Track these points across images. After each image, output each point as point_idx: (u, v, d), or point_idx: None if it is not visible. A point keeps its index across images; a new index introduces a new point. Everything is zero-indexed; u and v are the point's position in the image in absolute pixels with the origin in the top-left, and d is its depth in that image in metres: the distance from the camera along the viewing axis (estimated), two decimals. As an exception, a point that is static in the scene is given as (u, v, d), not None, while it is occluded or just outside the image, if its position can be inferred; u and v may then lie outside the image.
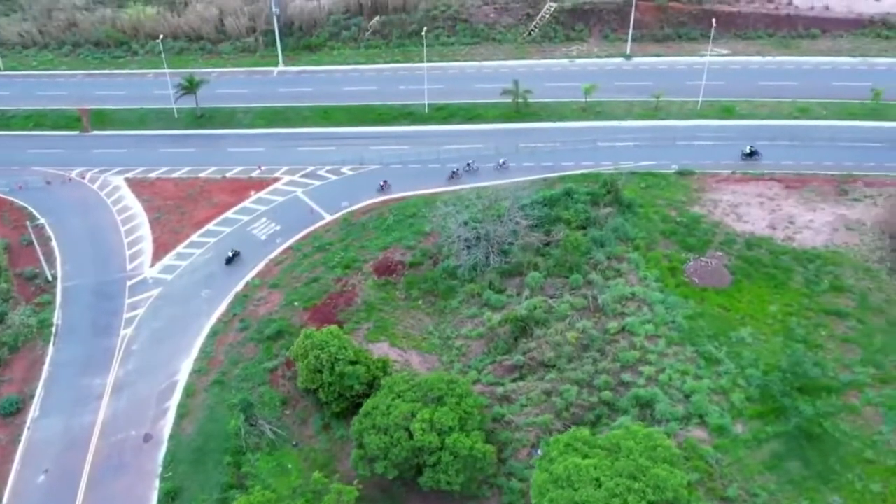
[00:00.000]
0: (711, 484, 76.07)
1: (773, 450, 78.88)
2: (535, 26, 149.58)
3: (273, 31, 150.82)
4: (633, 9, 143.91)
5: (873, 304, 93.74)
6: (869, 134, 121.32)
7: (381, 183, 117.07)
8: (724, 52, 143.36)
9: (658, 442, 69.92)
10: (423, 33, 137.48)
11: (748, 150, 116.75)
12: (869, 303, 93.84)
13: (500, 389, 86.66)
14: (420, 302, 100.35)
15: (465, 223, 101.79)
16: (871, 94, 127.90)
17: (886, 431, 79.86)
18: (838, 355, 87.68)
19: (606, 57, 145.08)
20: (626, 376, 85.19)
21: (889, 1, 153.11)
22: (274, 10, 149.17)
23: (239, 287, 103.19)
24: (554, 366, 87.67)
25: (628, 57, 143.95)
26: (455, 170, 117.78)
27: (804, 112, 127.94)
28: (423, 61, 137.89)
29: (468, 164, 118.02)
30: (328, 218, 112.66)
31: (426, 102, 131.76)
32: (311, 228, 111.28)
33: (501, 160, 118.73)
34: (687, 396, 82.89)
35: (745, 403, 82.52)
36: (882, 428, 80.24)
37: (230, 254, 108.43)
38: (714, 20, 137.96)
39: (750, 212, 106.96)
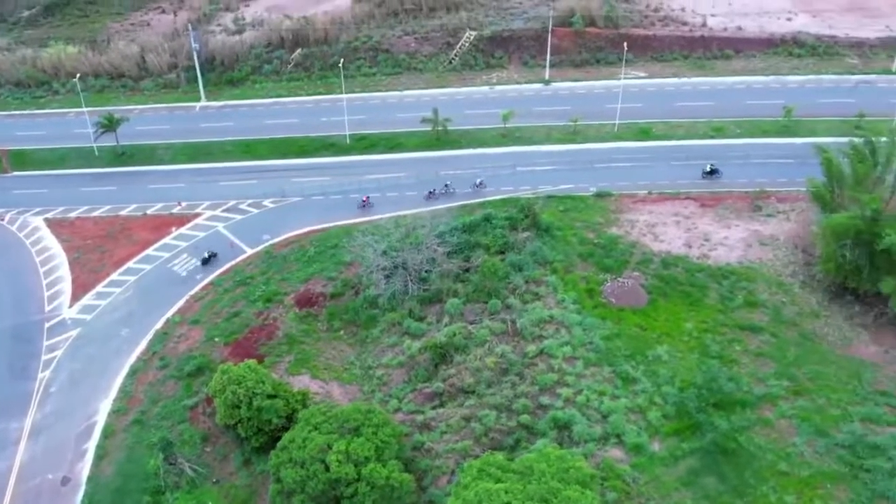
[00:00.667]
0: (629, 503, 76.82)
1: (690, 466, 79.69)
2: (455, 55, 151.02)
3: (195, 67, 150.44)
4: (550, 35, 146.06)
5: (786, 317, 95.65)
6: (781, 150, 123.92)
7: (363, 200, 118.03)
8: (641, 74, 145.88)
9: (570, 464, 70.52)
10: (340, 65, 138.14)
11: (708, 169, 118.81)
12: (782, 316, 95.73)
13: (420, 417, 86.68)
14: (342, 332, 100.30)
15: (385, 252, 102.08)
16: (783, 111, 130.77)
17: (800, 443, 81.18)
18: (753, 369, 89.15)
19: (526, 83, 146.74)
20: (545, 399, 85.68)
21: (799, 20, 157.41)
22: (194, 45, 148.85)
23: (159, 325, 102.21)
24: (473, 391, 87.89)
25: (547, 82, 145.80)
26: (432, 190, 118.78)
27: (719, 131, 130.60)
28: (343, 93, 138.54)
29: (446, 186, 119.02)
30: (249, 252, 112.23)
31: (347, 133, 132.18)
32: (233, 263, 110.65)
33: (478, 180, 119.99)
34: (604, 417, 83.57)
35: (662, 421, 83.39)
36: (795, 440, 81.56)
37: (206, 255, 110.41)
38: (626, 44, 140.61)
39: (666, 231, 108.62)
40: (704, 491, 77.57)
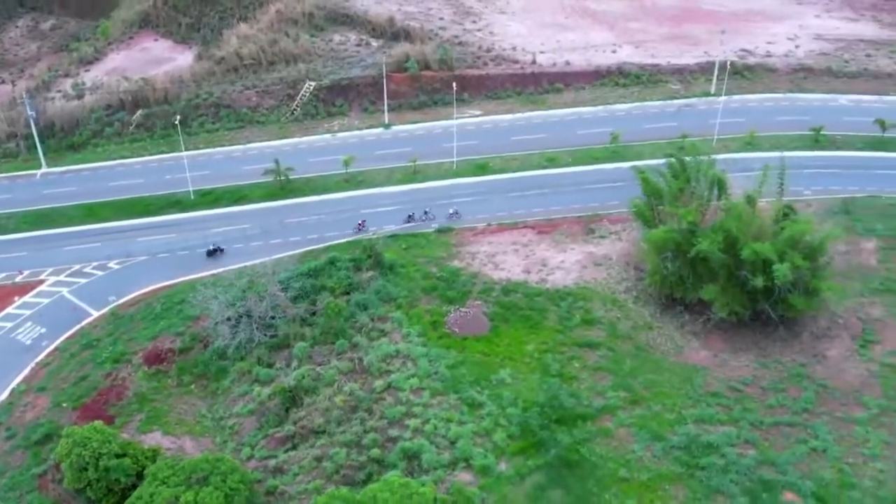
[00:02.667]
0: (479, 524, 79.20)
1: (536, 482, 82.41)
2: (296, 106, 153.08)
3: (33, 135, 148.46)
4: (387, 80, 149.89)
5: (622, 331, 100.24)
6: (611, 175, 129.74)
7: (359, 223, 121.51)
8: (477, 112, 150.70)
9: (414, 490, 72.50)
10: (177, 122, 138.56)
11: None
12: (618, 331, 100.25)
13: (272, 462, 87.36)
14: (193, 386, 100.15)
15: (232, 304, 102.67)
16: (610, 137, 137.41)
17: (638, 449, 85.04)
18: (592, 384, 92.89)
19: (367, 128, 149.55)
20: (394, 431, 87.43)
21: (624, 51, 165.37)
22: (29, 113, 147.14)
23: (4, 395, 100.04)
24: (324, 431, 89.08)
25: (387, 126, 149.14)
26: (411, 215, 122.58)
27: (552, 161, 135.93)
28: (186, 150, 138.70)
29: (425, 213, 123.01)
30: (95, 314, 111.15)
31: (191, 189, 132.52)
32: (79, 327, 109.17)
33: (452, 210, 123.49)
34: (452, 443, 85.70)
35: (508, 441, 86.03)
36: (634, 446, 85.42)
37: (211, 247, 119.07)
38: (459, 84, 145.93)
39: (506, 259, 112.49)
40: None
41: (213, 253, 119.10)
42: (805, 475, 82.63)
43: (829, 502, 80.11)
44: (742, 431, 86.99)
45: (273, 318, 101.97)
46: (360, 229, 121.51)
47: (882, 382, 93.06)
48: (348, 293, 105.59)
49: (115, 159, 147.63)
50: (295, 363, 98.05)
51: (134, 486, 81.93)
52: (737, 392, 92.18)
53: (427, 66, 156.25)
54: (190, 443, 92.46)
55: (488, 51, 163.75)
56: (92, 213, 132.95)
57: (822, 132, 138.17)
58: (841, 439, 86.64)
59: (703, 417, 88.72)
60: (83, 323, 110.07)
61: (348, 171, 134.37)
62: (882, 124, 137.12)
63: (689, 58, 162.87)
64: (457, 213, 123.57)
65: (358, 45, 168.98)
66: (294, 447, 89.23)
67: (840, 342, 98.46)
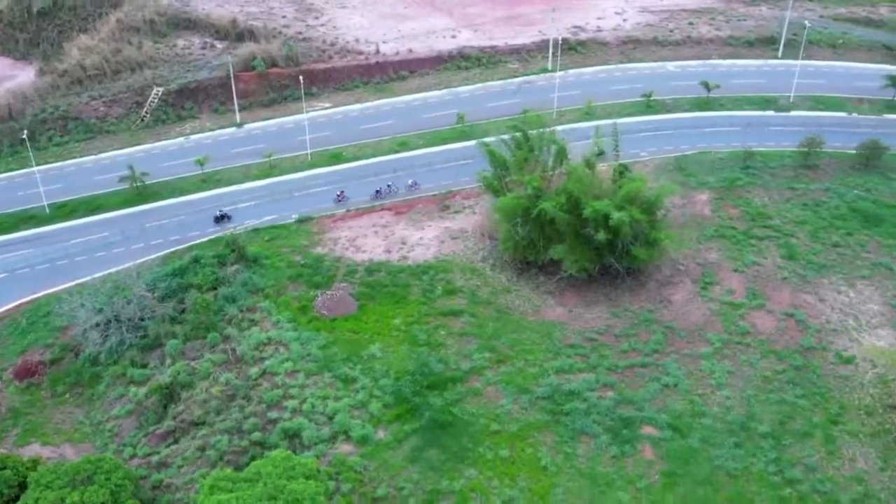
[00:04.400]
0: (363, 489, 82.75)
1: (413, 445, 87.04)
2: (145, 112, 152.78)
3: None
4: (235, 81, 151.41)
5: (482, 297, 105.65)
6: (460, 153, 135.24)
7: (338, 194, 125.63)
8: (327, 105, 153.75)
9: (295, 462, 75.91)
10: (24, 138, 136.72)
11: None
12: (478, 298, 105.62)
13: (156, 458, 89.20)
14: (67, 395, 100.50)
15: (100, 310, 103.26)
16: (457, 118, 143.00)
17: (506, 404, 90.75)
18: (458, 349, 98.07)
19: (219, 129, 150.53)
20: (273, 414, 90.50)
21: (463, 36, 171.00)
22: None
23: None
24: (204, 422, 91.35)
25: (240, 125, 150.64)
26: (378, 189, 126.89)
27: (403, 145, 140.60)
28: (37, 165, 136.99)
29: (388, 186, 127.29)
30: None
31: (45, 203, 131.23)
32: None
33: (411, 181, 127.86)
34: (330, 418, 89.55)
35: (383, 411, 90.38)
36: (503, 402, 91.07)
37: (219, 213, 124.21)
38: (307, 79, 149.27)
39: (367, 242, 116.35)
40: (429, 463, 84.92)
41: (220, 219, 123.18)
42: (660, 409, 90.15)
43: (683, 431, 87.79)
44: (600, 376, 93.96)
45: (142, 319, 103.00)
46: (339, 200, 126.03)
47: (722, 319, 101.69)
48: (215, 288, 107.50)
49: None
50: (168, 361, 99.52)
51: (17, 498, 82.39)
52: (592, 341, 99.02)
53: (274, 64, 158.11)
54: (70, 450, 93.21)
55: (333, 44, 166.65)
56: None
57: (652, 97, 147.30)
58: (690, 374, 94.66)
59: (564, 368, 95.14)
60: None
61: (205, 170, 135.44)
62: (706, 86, 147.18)
63: (525, 38, 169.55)
64: (416, 183, 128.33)
65: (203, 48, 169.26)
66: (176, 441, 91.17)
67: (682, 287, 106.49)
